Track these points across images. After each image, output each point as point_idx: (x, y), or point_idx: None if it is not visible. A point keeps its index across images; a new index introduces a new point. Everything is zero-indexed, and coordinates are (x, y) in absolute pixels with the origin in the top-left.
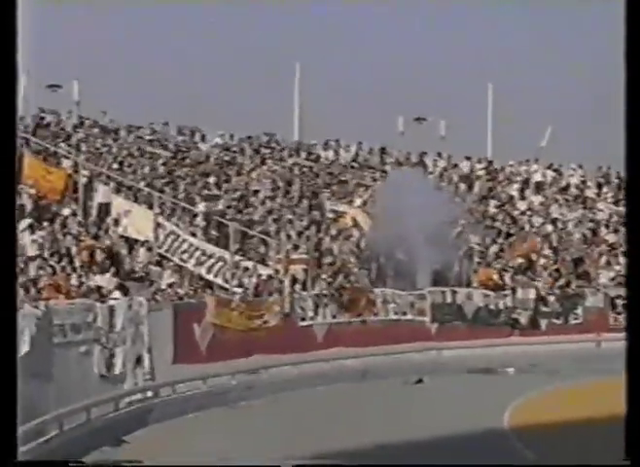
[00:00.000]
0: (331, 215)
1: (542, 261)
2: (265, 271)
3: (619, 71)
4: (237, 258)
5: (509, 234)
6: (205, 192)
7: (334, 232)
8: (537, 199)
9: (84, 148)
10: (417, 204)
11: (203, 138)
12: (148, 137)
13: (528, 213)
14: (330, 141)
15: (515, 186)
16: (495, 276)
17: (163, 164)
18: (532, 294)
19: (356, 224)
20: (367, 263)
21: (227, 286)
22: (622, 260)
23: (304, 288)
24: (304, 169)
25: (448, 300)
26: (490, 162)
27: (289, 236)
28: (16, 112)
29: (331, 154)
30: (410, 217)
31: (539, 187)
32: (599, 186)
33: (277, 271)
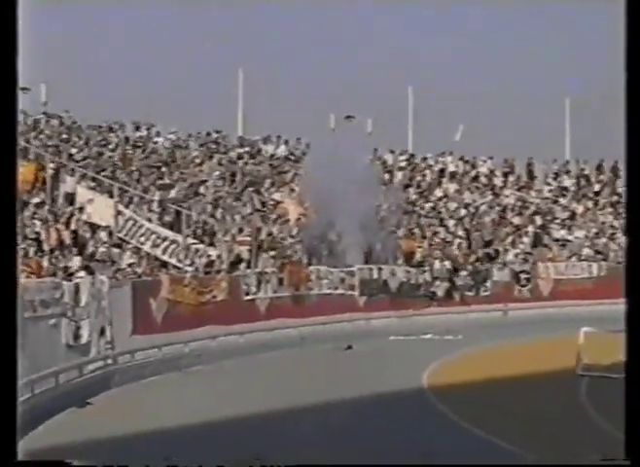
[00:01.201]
0: (271, 202)
1: (457, 241)
2: (213, 252)
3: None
4: (189, 240)
5: (427, 217)
6: (159, 182)
7: (273, 217)
8: (452, 187)
9: (50, 143)
10: (347, 191)
11: (158, 134)
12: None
13: (444, 199)
14: (270, 136)
15: (433, 175)
16: (417, 249)
17: (122, 158)
18: (447, 267)
19: (293, 210)
20: (303, 244)
21: (180, 265)
22: (525, 240)
23: (249, 266)
24: (248, 162)
25: (375, 276)
26: (411, 155)
27: (234, 221)
28: (16, 112)
29: (271, 148)
30: (341, 202)
31: (453, 176)
32: (505, 175)
33: (224, 252)
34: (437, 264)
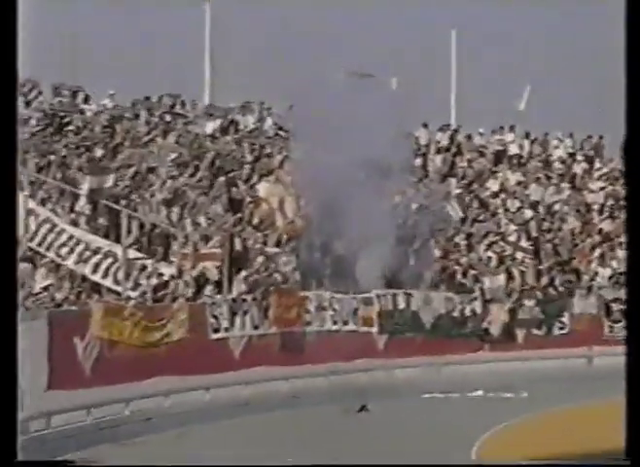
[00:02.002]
0: (251, 199)
1: (519, 255)
2: (167, 270)
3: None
4: (132, 253)
5: (475, 221)
6: (89, 169)
7: (255, 220)
8: (513, 178)
9: None
10: (360, 183)
11: (87, 100)
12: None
13: (502, 195)
14: (251, 104)
15: (485, 160)
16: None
17: (33, 134)
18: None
19: (282, 209)
20: (296, 258)
21: (118, 289)
22: (620, 253)
23: (218, 291)
24: (218, 140)
25: (401, 305)
26: (455, 131)
27: (197, 225)
28: (16, 111)
29: (252, 120)
30: (351, 199)
31: (515, 161)
32: (590, 161)
33: (183, 270)
34: (489, 281)
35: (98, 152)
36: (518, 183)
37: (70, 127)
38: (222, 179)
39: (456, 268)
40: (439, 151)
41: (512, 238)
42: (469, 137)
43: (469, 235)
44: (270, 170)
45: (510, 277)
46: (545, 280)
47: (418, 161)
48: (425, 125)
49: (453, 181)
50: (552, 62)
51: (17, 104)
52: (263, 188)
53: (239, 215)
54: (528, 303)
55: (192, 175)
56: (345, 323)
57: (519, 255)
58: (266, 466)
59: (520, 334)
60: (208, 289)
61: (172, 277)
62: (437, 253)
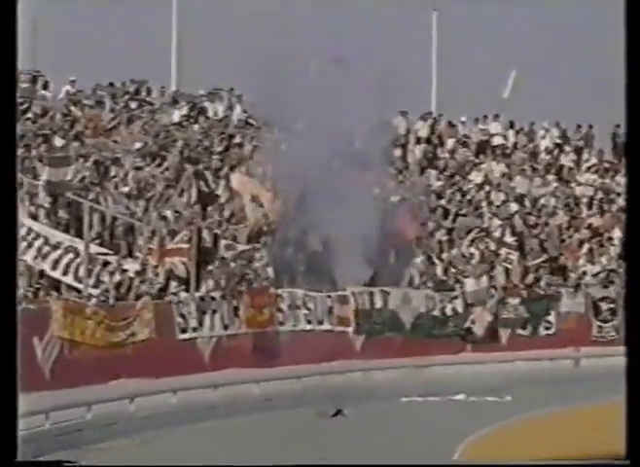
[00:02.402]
0: (221, 191)
1: (503, 251)
2: (131, 266)
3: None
4: (94, 248)
5: (458, 215)
6: (49, 157)
7: (226, 213)
8: (497, 169)
9: None
10: (336, 174)
11: (46, 86)
12: None
13: (486, 187)
14: (220, 91)
15: (469, 151)
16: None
17: None
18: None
19: (254, 202)
20: (269, 254)
21: (79, 286)
22: (611, 250)
23: (186, 288)
24: (186, 128)
25: (379, 304)
26: (435, 120)
27: (164, 218)
28: (15, 111)
29: (221, 108)
30: (326, 193)
31: (499, 152)
32: (579, 151)
33: (147, 266)
34: (471, 284)
35: (58, 141)
36: (503, 175)
37: (28, 115)
38: (190, 170)
39: (437, 264)
40: (418, 141)
41: (496, 234)
42: (451, 126)
43: (450, 231)
44: (241, 161)
45: (493, 275)
46: (530, 278)
47: (397, 152)
48: (404, 113)
49: (434, 173)
50: (540, 47)
51: (16, 103)
52: (234, 179)
53: (209, 208)
54: (513, 301)
55: (158, 166)
56: (320, 323)
57: (504, 251)
58: (258, 466)
59: (505, 334)
60: (175, 286)
61: (137, 274)
62: (417, 249)
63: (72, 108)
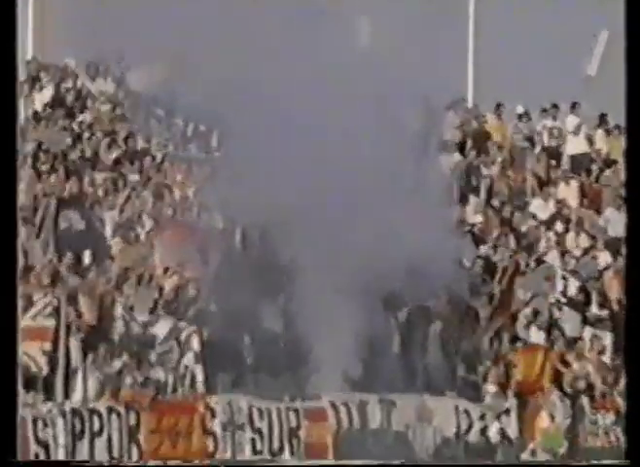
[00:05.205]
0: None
1: (586, 332)
2: None
3: None
4: None
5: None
6: None
7: (116, 266)
8: (573, 195)
9: None
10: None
11: None
12: None
13: (557, 225)
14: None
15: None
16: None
17: None
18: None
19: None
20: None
21: None
22: None
23: (48, 396)
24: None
25: (375, 421)
26: (477, 110)
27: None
28: (16, 111)
29: (109, 90)
30: (300, 229)
31: (581, 165)
32: None
33: None
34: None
35: None
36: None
37: None
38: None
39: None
40: (444, 147)
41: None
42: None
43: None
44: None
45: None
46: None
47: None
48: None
49: (473, 201)
50: None
51: (17, 103)
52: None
53: (87, 256)
54: (603, 418)
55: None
56: (277, 453)
57: (587, 333)
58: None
59: None
60: (27, 392)
61: None
62: (438, 329)
63: None
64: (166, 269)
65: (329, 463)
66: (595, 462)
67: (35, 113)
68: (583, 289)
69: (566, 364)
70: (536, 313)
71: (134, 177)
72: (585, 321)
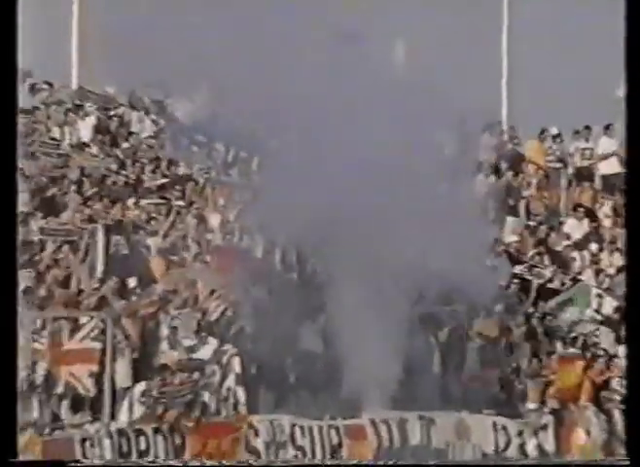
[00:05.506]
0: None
1: (620, 350)
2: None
3: None
4: None
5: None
6: None
7: (159, 289)
8: (606, 217)
9: None
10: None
11: None
12: None
13: (592, 245)
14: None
15: (563, 183)
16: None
17: None
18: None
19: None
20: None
21: None
22: None
23: (95, 416)
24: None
25: (416, 438)
26: (513, 132)
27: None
28: (16, 112)
29: (149, 122)
30: (336, 249)
31: (615, 185)
32: None
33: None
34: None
35: None
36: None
37: None
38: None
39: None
40: (480, 167)
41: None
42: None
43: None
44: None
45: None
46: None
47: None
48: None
49: (510, 221)
50: None
51: (17, 103)
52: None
53: (132, 281)
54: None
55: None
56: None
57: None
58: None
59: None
60: (75, 413)
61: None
62: (476, 347)
63: None
64: (211, 292)
65: (329, 463)
66: (595, 462)
67: (79, 140)
68: (618, 308)
69: (604, 380)
70: (572, 330)
71: (178, 202)
72: (618, 340)
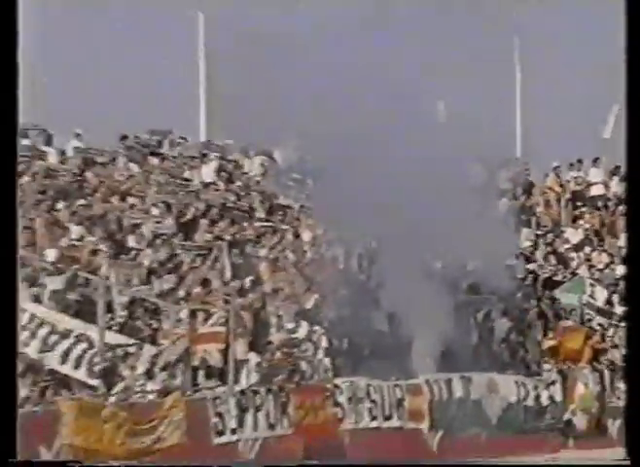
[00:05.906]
0: (264, 265)
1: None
2: (155, 357)
3: None
4: (110, 337)
5: (550, 281)
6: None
7: (267, 288)
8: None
9: None
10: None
11: (49, 141)
12: None
13: (586, 247)
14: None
15: (561, 203)
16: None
17: None
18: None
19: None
20: (323, 335)
21: (94, 383)
22: None
23: (222, 381)
24: (218, 187)
25: (458, 393)
26: (525, 165)
27: (190, 294)
28: (17, 115)
29: (257, 162)
30: (392, 257)
31: (600, 204)
32: None
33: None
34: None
35: (62, 206)
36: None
37: (26, 178)
38: (225, 239)
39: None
40: (503, 193)
41: (599, 303)
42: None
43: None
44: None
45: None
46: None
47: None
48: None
49: (525, 231)
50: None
51: (17, 107)
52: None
53: (248, 282)
54: (623, 386)
55: (185, 233)
56: (387, 418)
57: (606, 323)
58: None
59: (614, 427)
60: (208, 380)
61: (166, 366)
62: (505, 325)
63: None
64: (307, 289)
65: (329, 463)
66: (595, 462)
67: (203, 180)
68: (608, 298)
69: (599, 349)
70: (572, 311)
71: (280, 225)
72: (609, 317)
